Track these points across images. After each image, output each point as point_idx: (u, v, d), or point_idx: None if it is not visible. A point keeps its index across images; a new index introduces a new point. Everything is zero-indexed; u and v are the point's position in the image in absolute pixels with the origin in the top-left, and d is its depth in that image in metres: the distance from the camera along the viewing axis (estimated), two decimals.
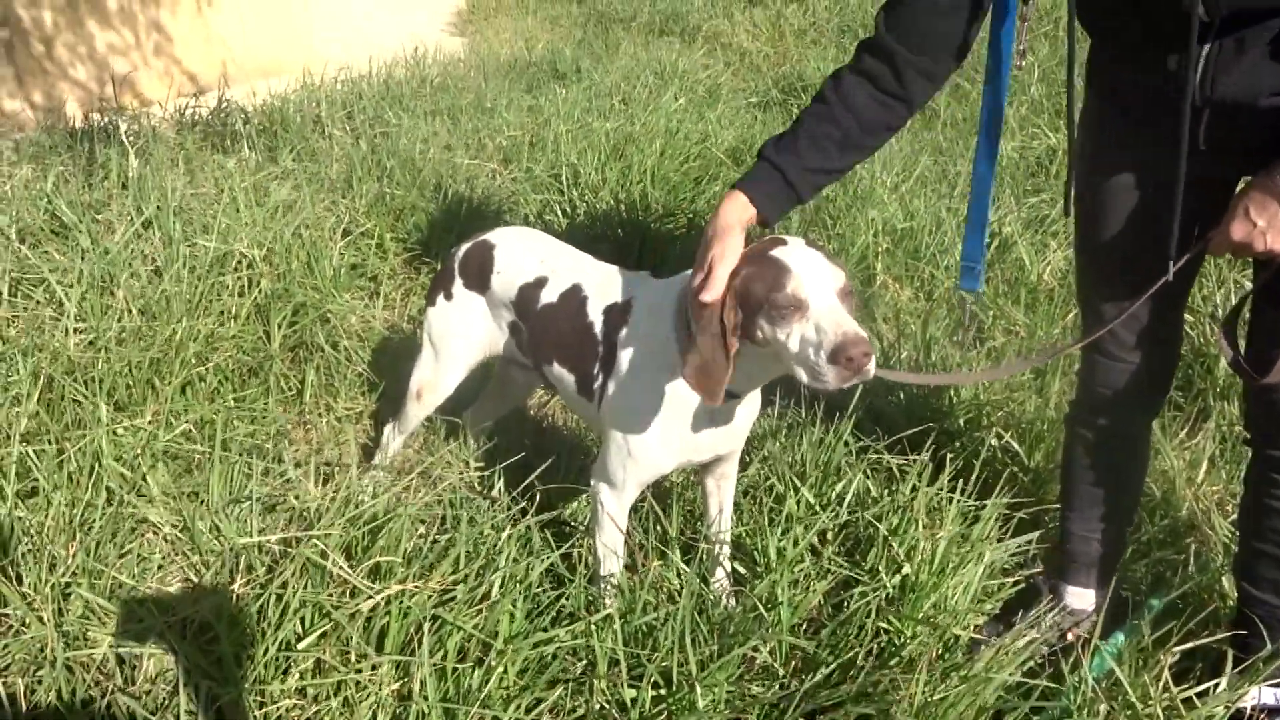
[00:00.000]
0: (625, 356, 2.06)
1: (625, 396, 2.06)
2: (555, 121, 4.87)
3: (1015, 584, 2.42)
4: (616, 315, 2.12)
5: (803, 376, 1.69)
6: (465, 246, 2.49)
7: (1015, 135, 5.36)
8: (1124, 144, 1.95)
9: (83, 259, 3.17)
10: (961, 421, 2.95)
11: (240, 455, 2.43)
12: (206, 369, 2.85)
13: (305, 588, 1.89)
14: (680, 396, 1.99)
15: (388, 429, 2.73)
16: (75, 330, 2.75)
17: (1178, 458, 2.76)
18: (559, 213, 4.00)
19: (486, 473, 2.74)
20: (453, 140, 4.80)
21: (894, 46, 1.84)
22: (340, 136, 4.98)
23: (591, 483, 2.19)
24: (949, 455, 2.58)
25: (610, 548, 2.17)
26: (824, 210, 4.23)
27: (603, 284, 2.21)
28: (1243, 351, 1.90)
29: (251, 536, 2.01)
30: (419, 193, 4.01)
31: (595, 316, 2.16)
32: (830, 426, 2.72)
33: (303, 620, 1.88)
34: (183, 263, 3.19)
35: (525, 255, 2.37)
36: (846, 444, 2.65)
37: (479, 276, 2.41)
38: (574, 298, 2.22)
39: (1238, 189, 1.80)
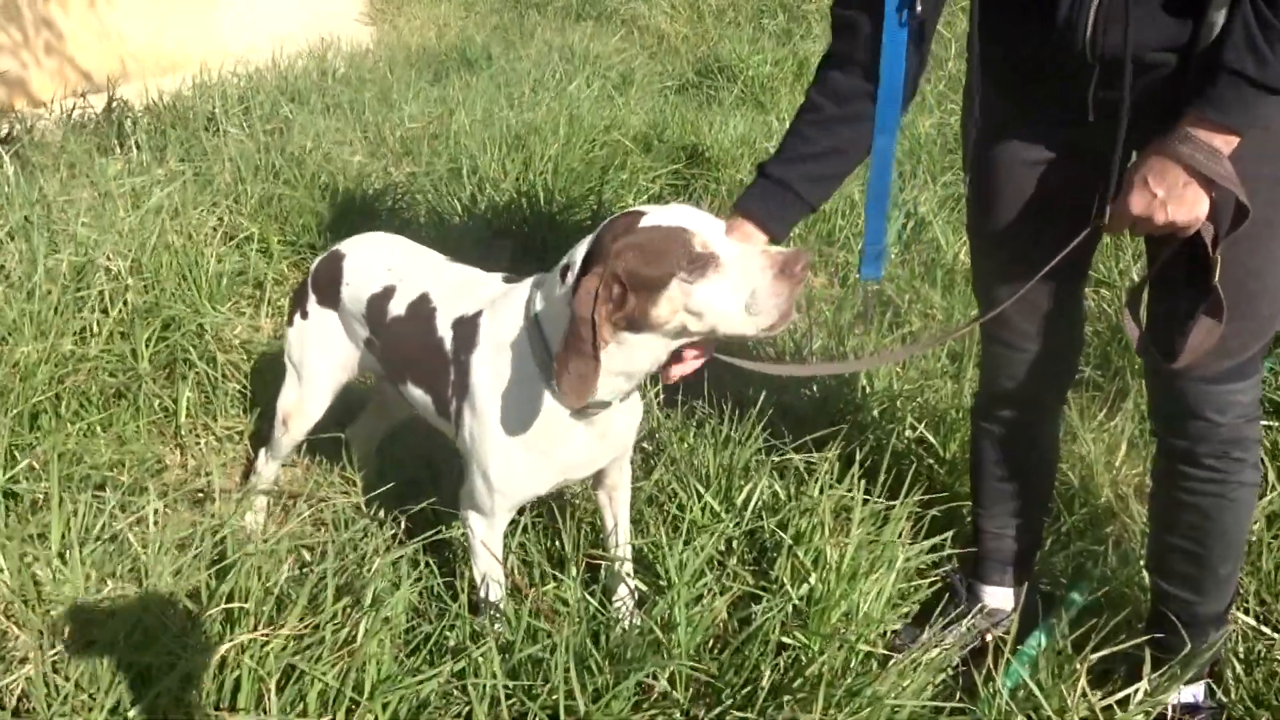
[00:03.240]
0: (476, 376, 1.87)
1: (480, 422, 1.87)
2: (459, 113, 4.66)
3: (931, 584, 2.30)
4: (466, 329, 1.93)
5: (739, 328, 1.58)
6: (319, 258, 2.30)
7: (933, 111, 5.26)
8: (1014, 111, 1.82)
9: None
10: (876, 413, 2.83)
11: (87, 490, 2.20)
12: (61, 393, 2.62)
13: (133, 641, 1.69)
14: (541, 415, 1.81)
15: (261, 455, 2.53)
16: None
17: (1095, 442, 2.66)
18: (457, 208, 3.80)
19: (372, 495, 2.56)
20: (350, 135, 4.57)
21: (847, 13, 1.71)
22: (235, 134, 4.73)
23: (460, 510, 2.02)
24: (860, 451, 2.45)
25: (488, 576, 2.00)
26: (733, 195, 4.09)
27: (453, 292, 2.02)
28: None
29: (79, 587, 1.80)
30: (307, 192, 3.79)
31: (444, 331, 1.97)
32: (737, 425, 2.58)
33: (133, 681, 1.68)
34: (42, 277, 2.96)
35: (373, 264, 2.18)
36: (754, 442, 2.51)
37: (330, 291, 2.22)
38: (422, 309, 2.03)
39: (1131, 161, 1.68)
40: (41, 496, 2.28)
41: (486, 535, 1.97)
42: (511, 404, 1.83)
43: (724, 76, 5.95)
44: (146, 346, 2.88)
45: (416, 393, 2.07)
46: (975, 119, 1.88)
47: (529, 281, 1.89)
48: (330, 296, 2.22)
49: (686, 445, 2.61)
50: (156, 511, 2.29)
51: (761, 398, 2.62)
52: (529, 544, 2.30)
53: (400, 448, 2.78)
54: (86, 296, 2.92)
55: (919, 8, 1.64)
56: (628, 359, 1.70)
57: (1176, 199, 1.53)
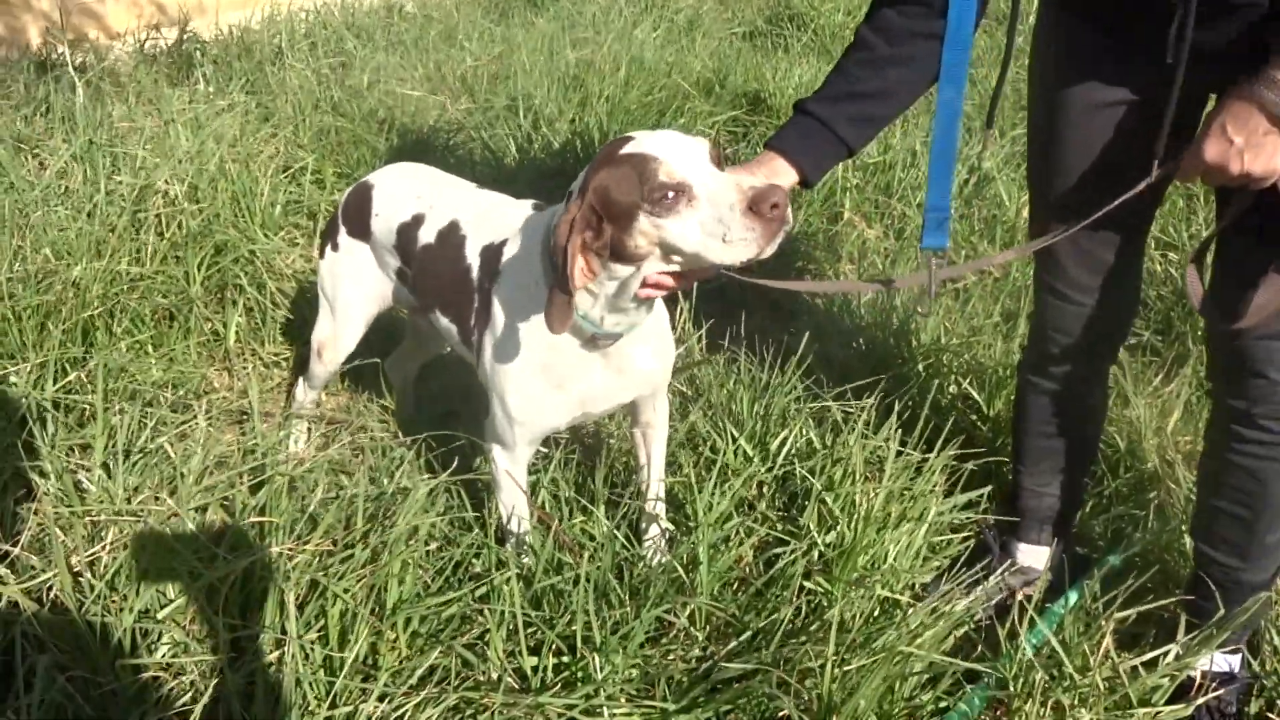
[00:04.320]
0: (498, 304, 1.86)
1: (499, 351, 1.87)
2: (520, 52, 4.63)
3: (965, 539, 2.26)
4: (491, 257, 1.92)
5: (724, 257, 1.50)
6: (349, 190, 2.31)
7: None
8: (1088, 50, 1.73)
9: (6, 193, 3.01)
10: (920, 367, 2.77)
11: (135, 405, 2.25)
12: (114, 310, 2.68)
13: (163, 551, 1.74)
14: (561, 345, 1.79)
15: (300, 383, 2.56)
16: None
17: (1148, 406, 2.58)
18: (511, 147, 3.79)
19: (409, 427, 2.59)
20: (411, 73, 4.57)
21: None
22: (299, 68, 4.76)
23: (484, 442, 2.02)
24: (900, 403, 2.40)
25: (512, 508, 2.01)
26: None
27: (483, 220, 2.00)
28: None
29: (115, 497, 1.85)
30: (365, 125, 3.81)
31: (472, 258, 1.96)
32: (776, 373, 2.55)
33: (160, 589, 1.73)
34: (102, 199, 3.02)
35: (402, 193, 2.17)
36: (792, 390, 2.48)
37: (360, 222, 2.22)
38: (451, 237, 2.02)
39: (1209, 106, 1.60)
40: (88, 409, 2.34)
41: (509, 467, 1.97)
42: (527, 334, 1.82)
43: (794, 24, 5.82)
44: (199, 270, 2.93)
45: (444, 321, 2.07)
46: (1046, 56, 1.81)
47: (552, 210, 1.88)
48: (360, 228, 2.22)
49: (725, 390, 2.59)
50: (199, 429, 2.36)
51: (802, 345, 2.59)
52: (560, 479, 2.31)
53: (438, 379, 2.80)
54: (144, 219, 2.97)
55: None
56: (619, 288, 1.67)
57: (1255, 148, 1.43)
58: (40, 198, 3.02)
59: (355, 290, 2.29)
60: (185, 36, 5.49)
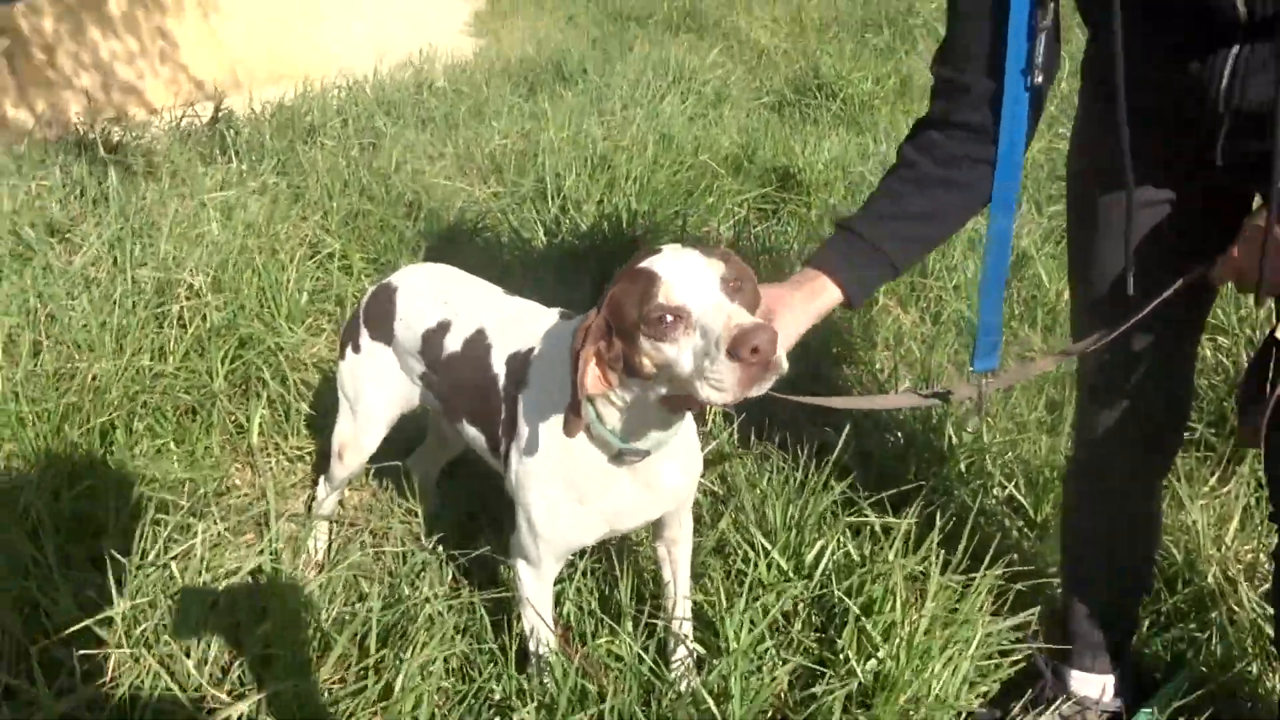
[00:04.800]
0: (524, 415, 1.80)
1: (525, 463, 1.80)
2: (548, 129, 4.62)
3: (1014, 664, 2.12)
4: (518, 365, 1.86)
5: (706, 394, 1.41)
6: (370, 291, 2.26)
7: (1042, 135, 5.01)
8: (1133, 150, 1.64)
9: (33, 283, 3.00)
10: (963, 466, 2.65)
11: (147, 513, 2.19)
12: (135, 410, 2.63)
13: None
14: (587, 459, 1.73)
15: (321, 482, 2.50)
16: None
17: (1204, 510, 2.44)
18: (539, 232, 3.75)
19: (432, 528, 2.51)
20: (440, 150, 4.57)
21: (955, 75, 1.56)
22: (330, 146, 4.78)
23: (510, 558, 1.94)
24: (942, 515, 2.28)
25: (535, 626, 1.91)
26: (823, 222, 3.94)
27: (510, 327, 1.95)
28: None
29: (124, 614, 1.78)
30: (391, 209, 3.79)
31: (499, 367, 1.91)
32: (813, 472, 2.45)
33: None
34: (129, 289, 3.00)
35: (428, 297, 2.12)
36: (828, 494, 2.38)
37: (383, 325, 2.17)
38: (478, 345, 1.97)
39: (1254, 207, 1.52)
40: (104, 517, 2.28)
41: (534, 587, 1.89)
42: (553, 446, 1.75)
43: (822, 94, 5.79)
44: (222, 364, 2.89)
45: (471, 431, 2.01)
46: (1087, 151, 1.73)
47: (581, 318, 1.81)
48: (383, 331, 2.17)
49: (759, 491, 2.49)
50: (216, 534, 2.30)
51: (839, 443, 2.49)
52: (585, 589, 2.22)
53: (462, 480, 2.72)
54: (167, 312, 2.95)
55: (1039, 76, 1.49)
56: (636, 403, 1.61)
57: None
58: (65, 289, 3.01)
59: (377, 393, 2.23)
60: (220, 113, 5.55)
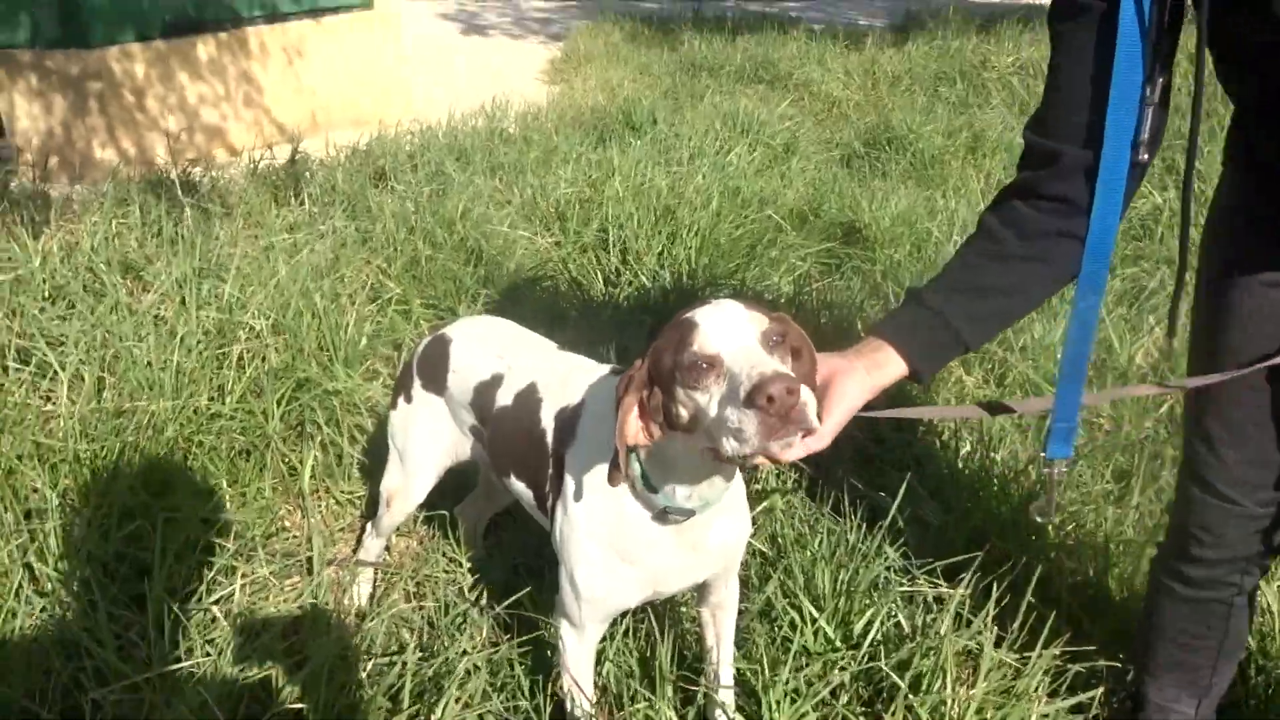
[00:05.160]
0: (570, 472, 1.77)
1: (570, 522, 1.77)
2: (614, 179, 4.64)
3: None
4: (567, 422, 1.84)
5: (727, 446, 1.35)
6: (424, 342, 2.26)
7: None
8: (1273, 237, 1.55)
9: (103, 321, 3.08)
10: (1021, 535, 2.55)
11: (193, 554, 2.21)
12: (191, 450, 2.67)
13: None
14: (631, 518, 1.69)
15: (368, 528, 2.50)
16: (49, 410, 2.60)
17: None
18: (598, 283, 3.75)
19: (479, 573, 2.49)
20: (505, 197, 4.62)
21: (1049, 143, 1.47)
22: (400, 190, 4.87)
23: (553, 618, 1.90)
24: (998, 581, 2.19)
25: (575, 690, 1.87)
26: (887, 278, 3.87)
27: (559, 383, 1.93)
28: None
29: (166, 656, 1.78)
30: (454, 254, 3.82)
31: (547, 423, 1.89)
32: (865, 536, 2.37)
33: None
34: (193, 329, 3.06)
35: (482, 350, 2.12)
36: (880, 560, 2.30)
37: (436, 376, 2.17)
38: (529, 400, 1.95)
39: None
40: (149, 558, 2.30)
41: (576, 651, 1.85)
42: (598, 503, 1.72)
43: (893, 148, 5.74)
44: (278, 406, 2.92)
45: (519, 485, 1.99)
46: (1225, 223, 1.64)
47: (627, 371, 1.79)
48: (436, 382, 2.17)
49: (808, 554, 2.42)
50: (261, 577, 2.30)
51: (894, 507, 2.41)
52: (625, 649, 2.17)
53: (510, 532, 2.70)
54: (228, 353, 3.00)
55: (1144, 153, 1.39)
56: (679, 458, 1.57)
57: None
58: (133, 328, 3.08)
59: (427, 444, 2.23)
60: (296, 156, 5.70)
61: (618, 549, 1.73)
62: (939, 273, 1.57)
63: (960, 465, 2.87)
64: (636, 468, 1.62)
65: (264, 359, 3.02)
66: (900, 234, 4.24)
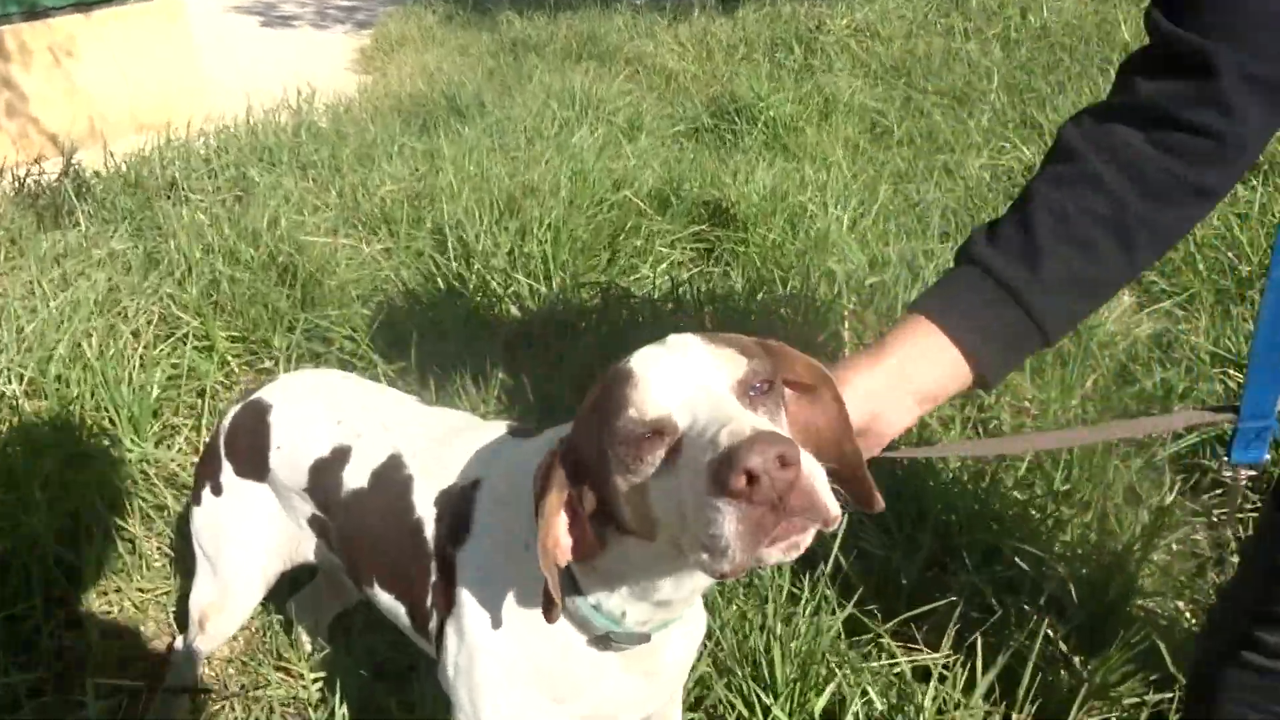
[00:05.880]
0: (466, 581, 1.26)
1: (470, 653, 1.25)
2: (446, 170, 4.07)
3: None
4: (455, 509, 1.32)
5: (700, 561, 0.86)
6: (231, 412, 1.68)
7: (981, 151, 4.66)
8: None
9: None
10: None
11: None
12: None
13: None
14: (563, 646, 1.19)
15: (179, 644, 1.89)
16: None
17: None
18: (438, 288, 3.19)
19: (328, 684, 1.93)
20: (321, 200, 3.98)
21: (1207, 45, 0.98)
22: (197, 201, 4.15)
23: None
24: (968, 626, 1.80)
25: None
26: (767, 262, 3.46)
27: (435, 452, 1.41)
28: None
29: None
30: (263, 274, 3.18)
31: (424, 510, 1.36)
32: (810, 589, 1.94)
33: None
34: None
35: (314, 416, 1.56)
36: (828, 608, 1.87)
37: (253, 457, 1.60)
38: (392, 479, 1.42)
39: None
40: None
41: None
42: (514, 627, 1.21)
43: (743, 118, 5.36)
44: (41, 492, 2.25)
45: (386, 599, 1.45)
46: None
47: (547, 437, 1.27)
48: (253, 464, 1.59)
49: (746, 620, 1.96)
50: None
51: (835, 544, 1.99)
52: None
53: (366, 619, 2.14)
54: None
55: None
56: (633, 572, 1.08)
57: None
58: None
59: (248, 548, 1.66)
60: (69, 169, 4.86)
61: (544, 688, 1.22)
62: (1007, 221, 1.07)
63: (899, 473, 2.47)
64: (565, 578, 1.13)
65: (19, 432, 2.34)
66: (772, 211, 3.84)
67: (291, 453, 1.54)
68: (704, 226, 3.84)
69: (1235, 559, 2.26)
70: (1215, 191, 1.03)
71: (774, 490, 0.80)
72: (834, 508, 0.85)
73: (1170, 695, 1.84)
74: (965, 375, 1.05)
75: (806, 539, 0.85)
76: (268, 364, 2.93)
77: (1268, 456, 1.20)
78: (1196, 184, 1.01)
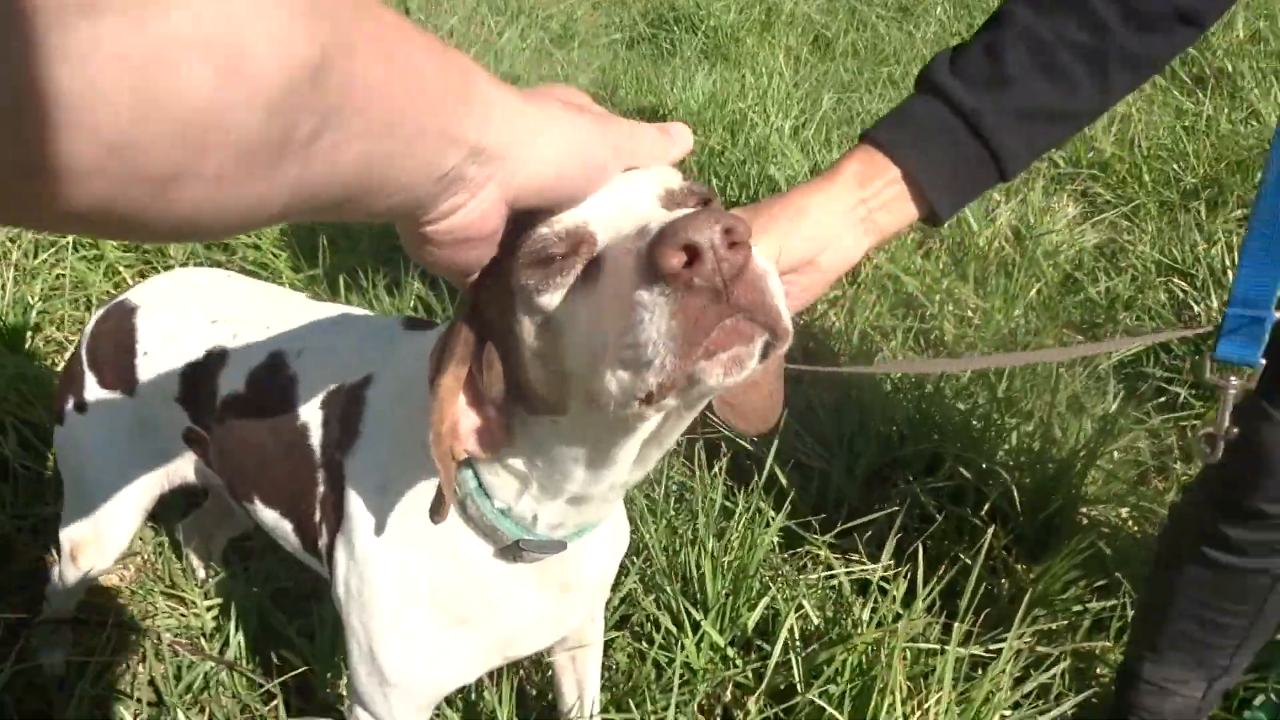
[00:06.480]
0: (357, 491, 1.10)
1: (364, 572, 1.09)
2: None
3: None
4: (344, 410, 1.15)
5: (618, 387, 0.67)
6: (95, 317, 1.48)
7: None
8: None
9: None
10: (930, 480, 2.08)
11: None
12: None
13: None
14: (461, 562, 1.04)
15: (53, 577, 1.71)
16: None
17: None
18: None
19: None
20: None
21: None
22: None
23: (347, 707, 1.23)
24: (925, 551, 1.70)
25: None
26: (706, 170, 3.31)
27: (321, 350, 1.24)
28: None
29: None
30: None
31: (309, 414, 1.19)
32: (743, 499, 1.83)
33: None
34: None
35: (185, 316, 1.38)
36: (763, 520, 1.76)
37: (119, 366, 1.40)
38: (272, 381, 1.24)
39: None
40: None
41: None
42: (413, 541, 1.06)
43: (681, 27, 5.14)
44: None
45: (269, 515, 1.28)
46: None
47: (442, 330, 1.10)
48: (119, 374, 1.40)
49: (676, 536, 1.85)
50: None
51: (769, 457, 1.87)
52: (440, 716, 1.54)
53: (266, 541, 1.98)
54: None
55: None
56: (545, 459, 0.90)
57: None
58: None
59: (117, 471, 1.47)
60: None
61: (447, 608, 1.07)
62: (973, 52, 0.93)
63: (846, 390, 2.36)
64: (470, 481, 0.97)
65: None
66: (711, 116, 3.66)
67: (161, 358, 1.36)
68: None
69: (1179, 466, 2.20)
70: (1203, 18, 0.90)
71: (718, 273, 0.62)
72: (787, 317, 0.67)
73: (1113, 603, 1.78)
74: (913, 209, 0.91)
75: (753, 352, 0.66)
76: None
77: (1263, 361, 1.04)
78: (1185, 8, 0.88)
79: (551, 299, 0.73)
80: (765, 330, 0.65)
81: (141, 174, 0.38)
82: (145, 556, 2.01)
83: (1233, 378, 1.04)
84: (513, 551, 1.01)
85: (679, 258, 0.61)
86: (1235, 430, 1.06)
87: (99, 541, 1.52)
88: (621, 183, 0.73)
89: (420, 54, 0.51)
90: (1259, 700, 1.59)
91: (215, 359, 1.32)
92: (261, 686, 1.66)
